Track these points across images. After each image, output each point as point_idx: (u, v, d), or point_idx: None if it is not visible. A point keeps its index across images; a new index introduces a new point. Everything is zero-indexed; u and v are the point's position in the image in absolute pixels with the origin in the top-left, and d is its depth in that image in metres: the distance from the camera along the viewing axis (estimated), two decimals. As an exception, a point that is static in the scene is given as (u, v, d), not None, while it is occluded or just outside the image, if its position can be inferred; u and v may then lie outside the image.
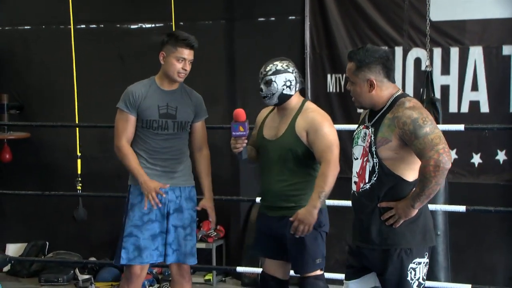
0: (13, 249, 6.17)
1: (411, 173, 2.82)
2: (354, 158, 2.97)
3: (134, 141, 3.72)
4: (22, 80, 6.24)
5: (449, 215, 4.42)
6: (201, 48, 5.86)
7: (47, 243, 6.16)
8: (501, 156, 5.04)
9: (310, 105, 3.48)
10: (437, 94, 4.94)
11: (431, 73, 4.58)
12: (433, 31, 4.94)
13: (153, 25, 6.04)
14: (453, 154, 5.11)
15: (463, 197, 4.65)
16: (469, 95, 5.10)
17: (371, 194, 2.88)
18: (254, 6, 5.75)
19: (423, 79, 4.81)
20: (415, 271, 2.83)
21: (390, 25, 5.27)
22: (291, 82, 3.40)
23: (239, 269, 4.79)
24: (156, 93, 3.67)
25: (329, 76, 5.43)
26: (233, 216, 5.78)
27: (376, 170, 2.84)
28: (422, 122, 2.72)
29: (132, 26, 6.09)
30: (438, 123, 4.36)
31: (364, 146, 2.89)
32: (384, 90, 2.86)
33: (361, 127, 2.97)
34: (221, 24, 5.90)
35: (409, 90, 5.22)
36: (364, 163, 2.88)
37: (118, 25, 6.10)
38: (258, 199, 4.84)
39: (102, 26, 6.14)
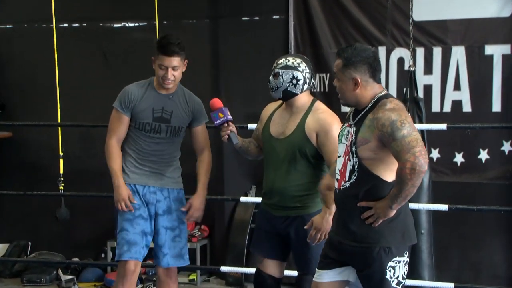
0: (-6, 250, 6.12)
1: (390, 174, 2.84)
2: (338, 155, 3.00)
3: (126, 139, 3.71)
4: (4, 79, 6.18)
5: (433, 213, 4.45)
6: (185, 47, 5.84)
7: (30, 243, 6.11)
8: (483, 155, 5.08)
9: (320, 105, 3.46)
10: (420, 94, 4.97)
11: (414, 72, 4.61)
12: (416, 31, 4.97)
13: (136, 24, 6.01)
14: (436, 153, 5.14)
15: (446, 196, 4.68)
16: (451, 95, 5.13)
17: (350, 193, 2.90)
18: (238, 5, 5.74)
19: (407, 78, 4.84)
20: (394, 269, 2.86)
21: (374, 24, 5.29)
22: (297, 81, 3.37)
23: (223, 268, 4.79)
24: (152, 96, 3.65)
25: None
26: (217, 216, 5.77)
27: (356, 169, 2.87)
28: (400, 124, 2.74)
29: (116, 25, 6.06)
30: (421, 122, 4.39)
31: (346, 144, 2.93)
32: (369, 90, 2.88)
33: (345, 124, 3.00)
34: (205, 23, 5.89)
35: (393, 89, 5.23)
36: (346, 161, 2.91)
37: (101, 24, 6.07)
38: (242, 199, 4.86)
39: (85, 24, 6.10)
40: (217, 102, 3.41)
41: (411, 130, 2.74)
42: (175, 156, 3.75)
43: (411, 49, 4.73)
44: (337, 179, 2.98)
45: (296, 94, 3.40)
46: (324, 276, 3.05)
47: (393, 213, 2.82)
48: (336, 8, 5.36)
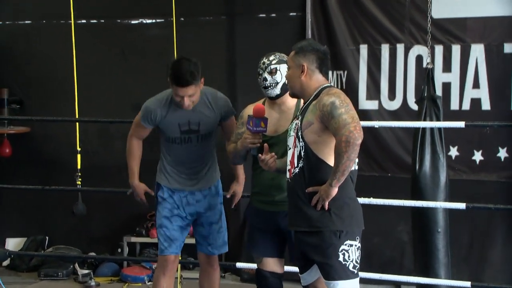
0: (12, 244, 6.16)
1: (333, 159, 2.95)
2: (288, 148, 3.13)
3: (162, 146, 3.78)
4: (23, 75, 6.23)
5: (450, 212, 4.42)
6: (202, 44, 5.86)
7: (47, 237, 6.16)
8: (502, 153, 5.04)
9: None
10: (439, 92, 4.94)
11: (432, 70, 4.57)
12: (434, 29, 4.92)
13: (154, 21, 6.03)
14: (455, 151, 5.12)
15: (463, 194, 4.65)
16: (470, 93, 5.10)
17: (300, 178, 3.03)
18: (255, 2, 5.75)
19: (424, 76, 4.80)
20: (348, 252, 2.97)
21: (392, 22, 5.27)
22: None
23: (239, 265, 4.79)
24: (175, 111, 3.62)
25: (330, 72, 5.42)
26: (232, 212, 5.77)
27: (302, 154, 3.01)
28: (339, 103, 2.92)
29: (133, 22, 6.08)
30: (438, 120, 4.36)
31: (294, 136, 3.07)
32: (314, 80, 3.08)
33: (293, 120, 3.16)
34: (222, 20, 5.90)
35: (411, 87, 5.22)
36: (294, 150, 3.06)
37: (119, 20, 6.10)
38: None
39: (103, 21, 6.13)
40: (263, 111, 3.35)
41: (348, 109, 2.91)
42: (209, 156, 3.79)
43: (429, 47, 4.70)
44: (288, 170, 3.10)
45: None
46: (307, 278, 3.19)
47: (334, 191, 2.92)
48: (354, 5, 5.35)
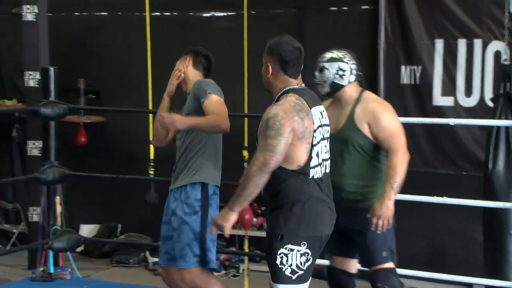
0: (86, 230, 6.36)
1: (286, 161, 2.87)
2: None
3: None
4: (99, 66, 6.40)
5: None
6: (272, 37, 5.81)
7: (119, 225, 6.32)
8: None
9: (369, 94, 3.42)
10: (517, 89, 4.76)
11: (509, 67, 4.41)
12: (513, 24, 4.76)
13: (225, 14, 6.07)
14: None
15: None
16: (551, 91, 4.89)
17: None
18: (326, -6, 5.70)
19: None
20: (287, 257, 2.90)
21: (469, 16, 5.11)
22: (344, 72, 3.36)
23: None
24: None
25: (403, 67, 5.32)
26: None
27: None
28: (272, 124, 2.83)
29: (205, 15, 6.14)
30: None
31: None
32: (279, 81, 3.00)
33: None
34: (293, 13, 5.87)
35: (488, 84, 5.06)
36: None
37: (191, 13, 6.17)
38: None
39: (176, 14, 6.22)
40: None
41: (278, 134, 2.82)
42: (193, 151, 3.54)
43: (506, 43, 4.53)
44: None
45: (343, 86, 3.37)
46: None
47: (235, 217, 2.89)
48: (430, -1, 5.22)
